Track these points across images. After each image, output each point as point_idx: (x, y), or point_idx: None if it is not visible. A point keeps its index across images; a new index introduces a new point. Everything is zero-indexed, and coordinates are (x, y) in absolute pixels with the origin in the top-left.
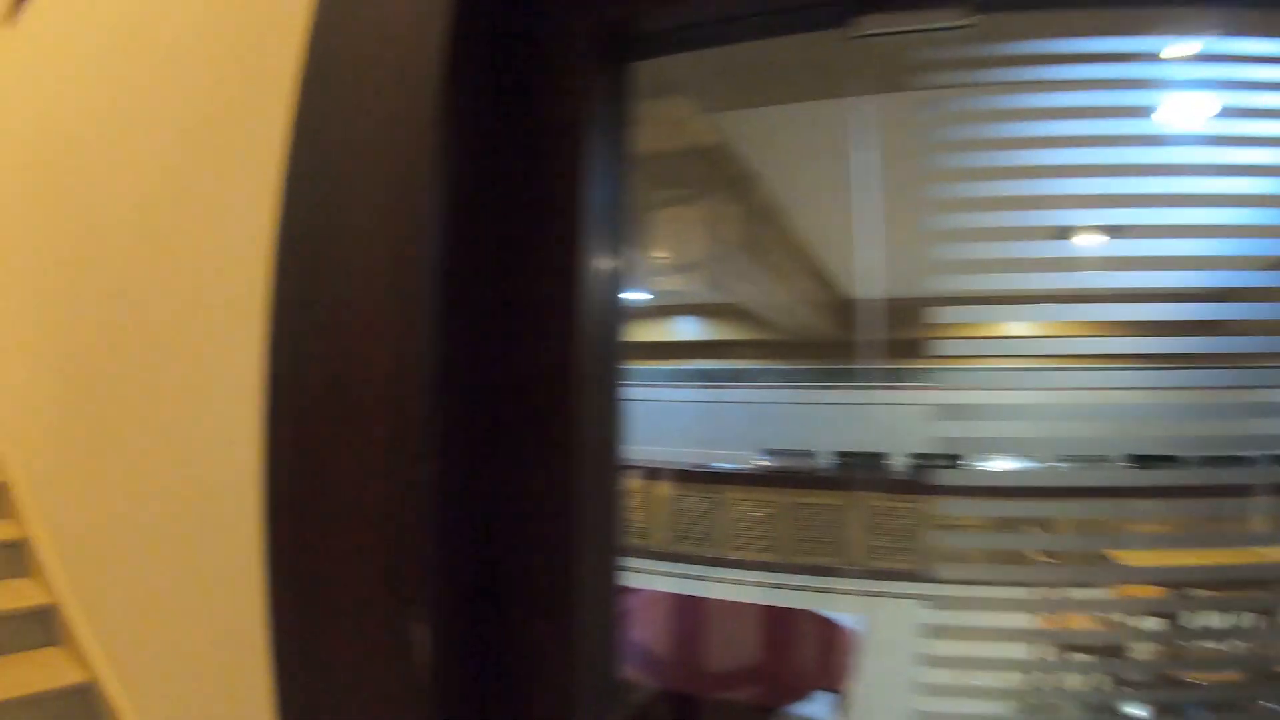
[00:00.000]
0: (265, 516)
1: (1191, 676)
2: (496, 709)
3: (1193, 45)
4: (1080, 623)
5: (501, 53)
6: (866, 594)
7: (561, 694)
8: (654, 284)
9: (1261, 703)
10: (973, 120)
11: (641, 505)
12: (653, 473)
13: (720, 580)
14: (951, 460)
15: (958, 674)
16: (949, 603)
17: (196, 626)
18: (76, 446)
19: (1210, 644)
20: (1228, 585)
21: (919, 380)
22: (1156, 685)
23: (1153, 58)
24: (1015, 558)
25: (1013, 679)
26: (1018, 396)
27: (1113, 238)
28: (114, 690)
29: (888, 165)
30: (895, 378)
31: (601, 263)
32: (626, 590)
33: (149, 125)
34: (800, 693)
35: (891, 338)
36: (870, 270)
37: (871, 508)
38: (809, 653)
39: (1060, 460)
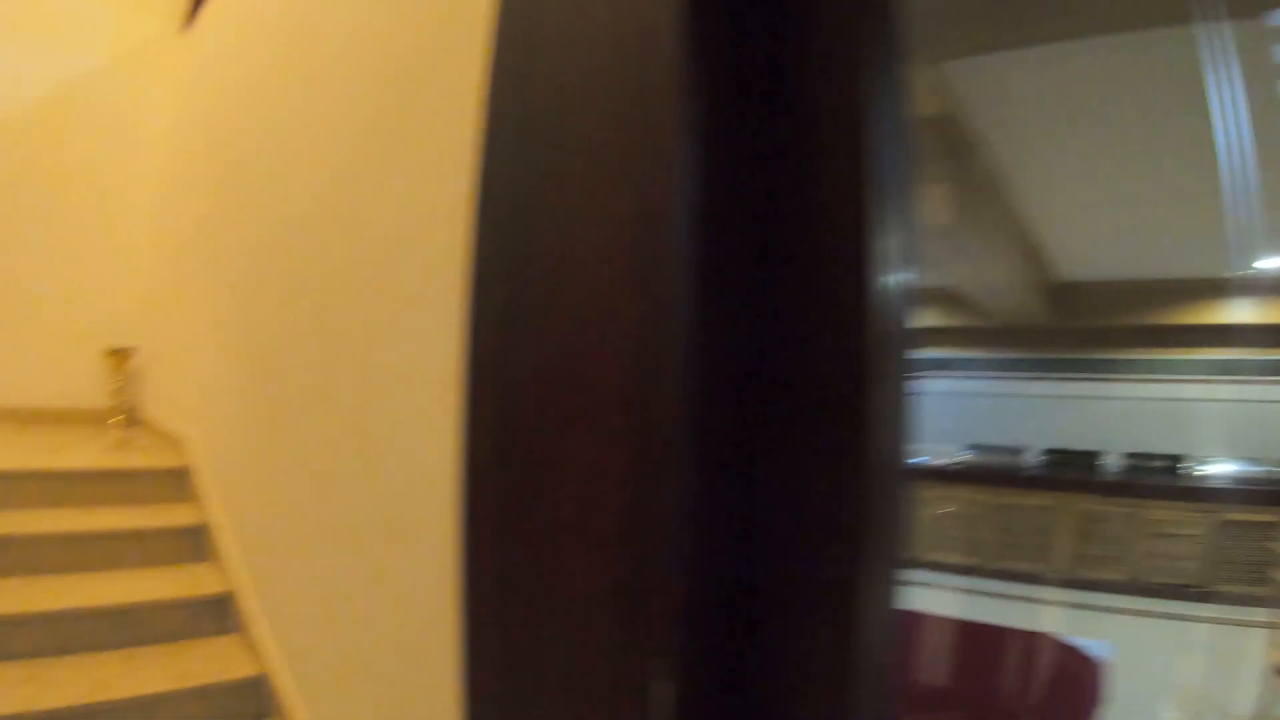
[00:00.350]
0: (462, 526)
1: None
2: None
3: None
4: None
5: None
6: (1072, 605)
7: None
8: None
9: None
10: None
11: None
12: None
13: (915, 583)
14: (1172, 462)
15: None
16: None
17: (378, 632)
18: (258, 434)
19: None
20: None
21: (1140, 371)
22: None
23: None
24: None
25: None
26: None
27: None
28: (286, 687)
29: (1136, 125)
30: (1114, 369)
31: (889, 225)
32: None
33: (329, 108)
34: None
35: (1112, 325)
36: (1100, 249)
37: (1081, 511)
38: (1053, 687)
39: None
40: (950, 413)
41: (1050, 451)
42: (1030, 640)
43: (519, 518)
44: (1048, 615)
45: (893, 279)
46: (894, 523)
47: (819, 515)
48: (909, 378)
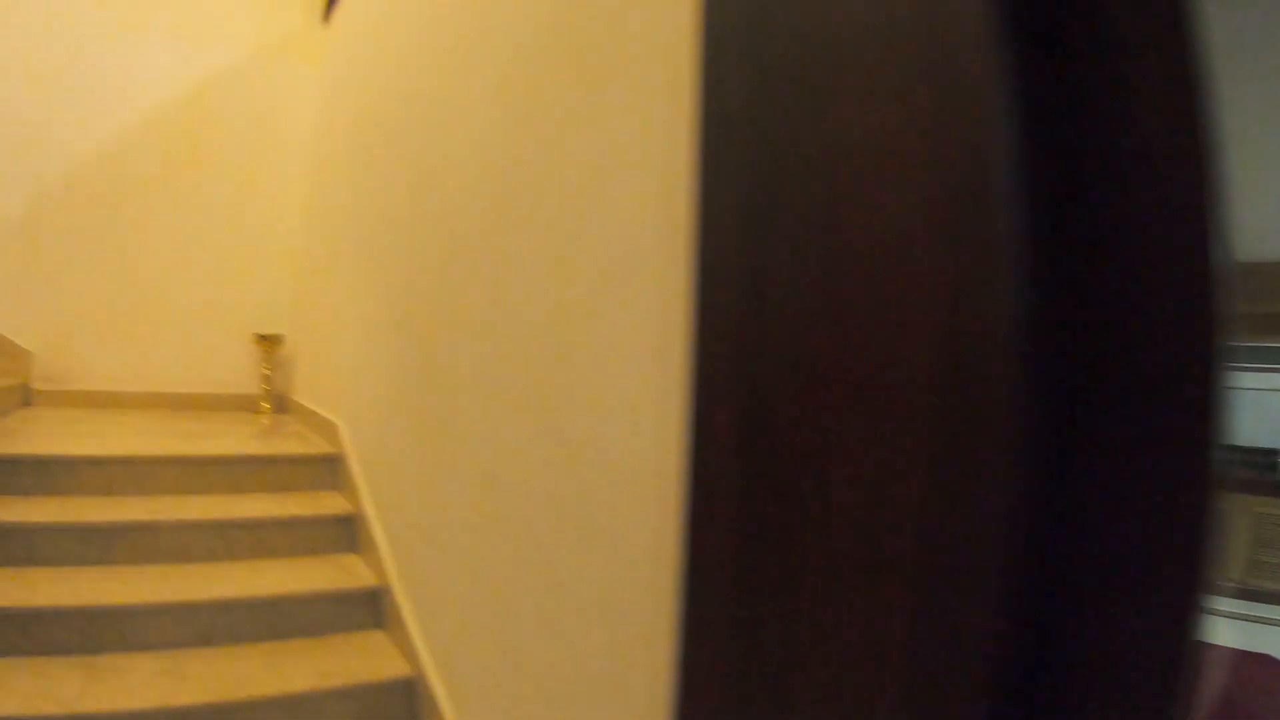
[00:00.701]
0: (688, 531)
1: None
2: None
3: None
4: None
5: None
6: (1245, 618)
7: None
8: None
9: None
10: None
11: None
12: None
13: None
14: None
15: None
16: None
17: (555, 647)
18: (411, 423)
19: None
20: None
21: None
22: None
23: None
24: None
25: None
26: None
27: None
28: (439, 693)
29: None
30: None
31: (1219, 181)
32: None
33: (495, 60)
34: None
35: None
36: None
37: (1258, 514)
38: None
39: None
40: None
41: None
42: (1252, 663)
43: (769, 525)
44: (1216, 627)
45: (1224, 241)
46: (1217, 538)
47: (1145, 530)
48: (1231, 368)
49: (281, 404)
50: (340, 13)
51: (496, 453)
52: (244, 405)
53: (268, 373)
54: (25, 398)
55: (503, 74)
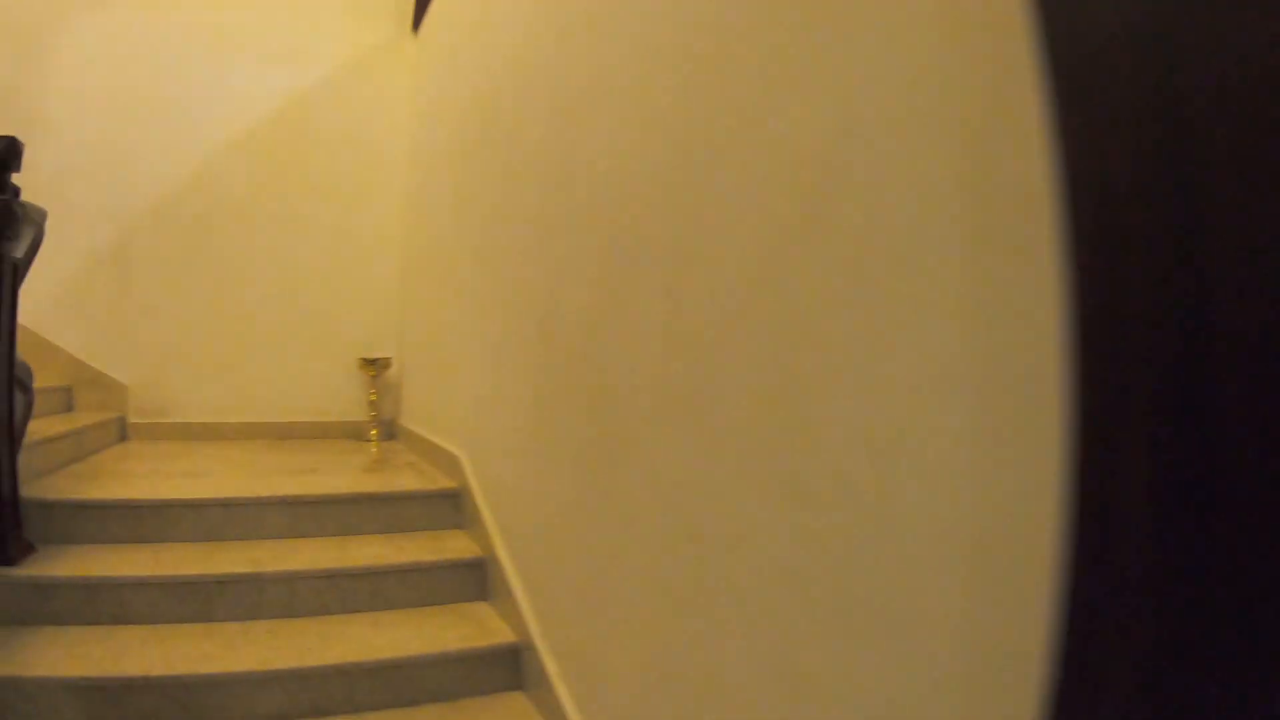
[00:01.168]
0: (1061, 652)
1: None
2: None
3: None
4: None
5: None
6: None
7: None
8: None
9: None
10: None
11: None
12: None
13: None
14: None
15: None
16: None
17: None
18: (559, 456)
19: None
20: None
21: None
22: None
23: None
24: None
25: None
26: None
27: None
28: None
29: None
30: None
31: None
32: None
33: (641, 32)
34: None
35: None
36: None
37: None
38: None
39: None
40: None
41: None
42: None
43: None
44: None
45: None
46: None
47: None
48: None
49: (390, 430)
50: (430, 20)
51: (693, 500)
52: (349, 433)
53: (374, 398)
54: (121, 432)
55: (670, 36)
